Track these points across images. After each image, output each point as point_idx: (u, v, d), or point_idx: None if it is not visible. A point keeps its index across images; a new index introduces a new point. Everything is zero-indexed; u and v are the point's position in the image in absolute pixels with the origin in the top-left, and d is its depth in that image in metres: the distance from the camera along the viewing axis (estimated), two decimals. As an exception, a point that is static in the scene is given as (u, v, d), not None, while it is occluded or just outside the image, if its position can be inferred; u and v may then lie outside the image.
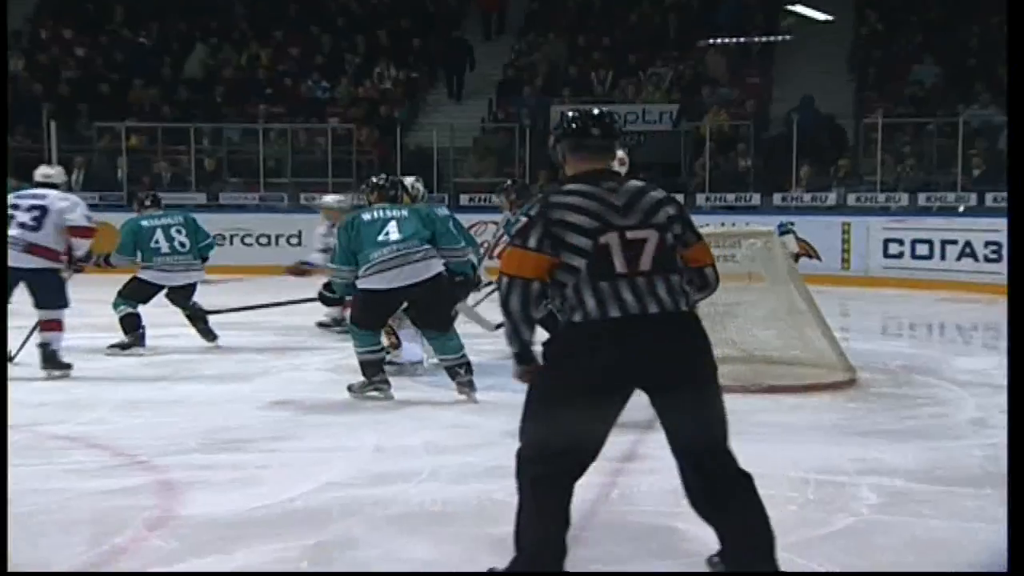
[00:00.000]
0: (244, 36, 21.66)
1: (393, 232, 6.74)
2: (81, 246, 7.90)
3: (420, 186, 8.41)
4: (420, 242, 6.78)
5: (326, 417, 6.38)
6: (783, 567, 3.54)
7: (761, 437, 5.78)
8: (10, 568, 3.53)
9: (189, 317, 9.12)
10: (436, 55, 21.10)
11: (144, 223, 9.10)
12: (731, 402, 6.47)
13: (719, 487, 3.50)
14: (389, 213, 6.87)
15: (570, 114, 3.72)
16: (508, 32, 21.96)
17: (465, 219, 16.58)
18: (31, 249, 7.58)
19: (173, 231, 9.02)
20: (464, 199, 17.64)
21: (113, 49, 21.45)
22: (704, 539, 4.07)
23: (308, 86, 20.27)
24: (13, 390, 6.99)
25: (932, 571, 3.94)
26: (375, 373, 6.83)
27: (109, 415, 6.43)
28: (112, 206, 17.40)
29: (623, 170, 6.36)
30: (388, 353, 7.36)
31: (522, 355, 3.47)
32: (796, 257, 8.24)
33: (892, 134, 16.37)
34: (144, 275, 8.95)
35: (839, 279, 14.25)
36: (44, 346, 7.62)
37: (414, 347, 7.68)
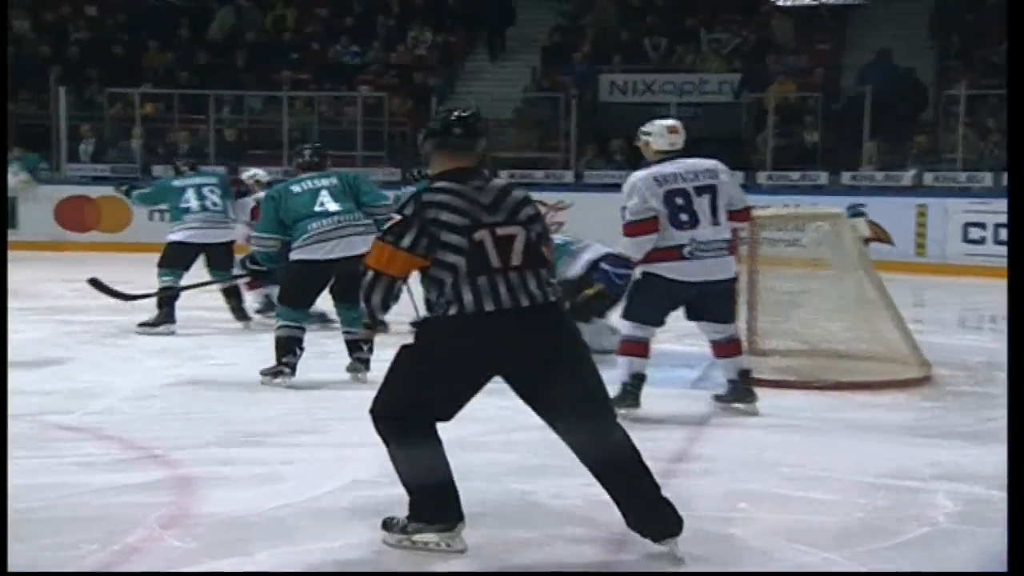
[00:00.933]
0: (269, -5, 21.74)
1: (329, 203, 7.14)
2: None
3: None
4: (358, 214, 7.21)
5: (353, 411, 6.36)
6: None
7: (826, 438, 5.79)
8: (11, 568, 3.60)
9: (224, 292, 9.40)
10: (475, 12, 21.02)
11: (175, 182, 9.59)
12: (794, 399, 6.52)
13: (619, 459, 4.00)
14: (319, 183, 7.24)
15: (438, 114, 4.17)
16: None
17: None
18: None
19: (205, 190, 9.40)
20: (504, 175, 17.64)
21: (127, 8, 21.57)
22: (764, 548, 4.09)
23: (337, 51, 20.30)
24: (17, 378, 7.10)
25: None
26: (285, 354, 7.08)
27: (120, 404, 6.50)
28: (124, 178, 17.60)
29: (679, 139, 6.34)
30: None
31: (371, 324, 4.07)
32: (867, 242, 8.17)
33: (976, 107, 16.21)
34: (176, 236, 9.31)
35: (914, 266, 14.16)
36: None
37: None
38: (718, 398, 6.38)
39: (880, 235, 14.82)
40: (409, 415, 3.99)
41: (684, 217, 6.07)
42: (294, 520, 4.35)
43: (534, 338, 3.86)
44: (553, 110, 18.45)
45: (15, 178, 16.91)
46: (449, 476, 4.04)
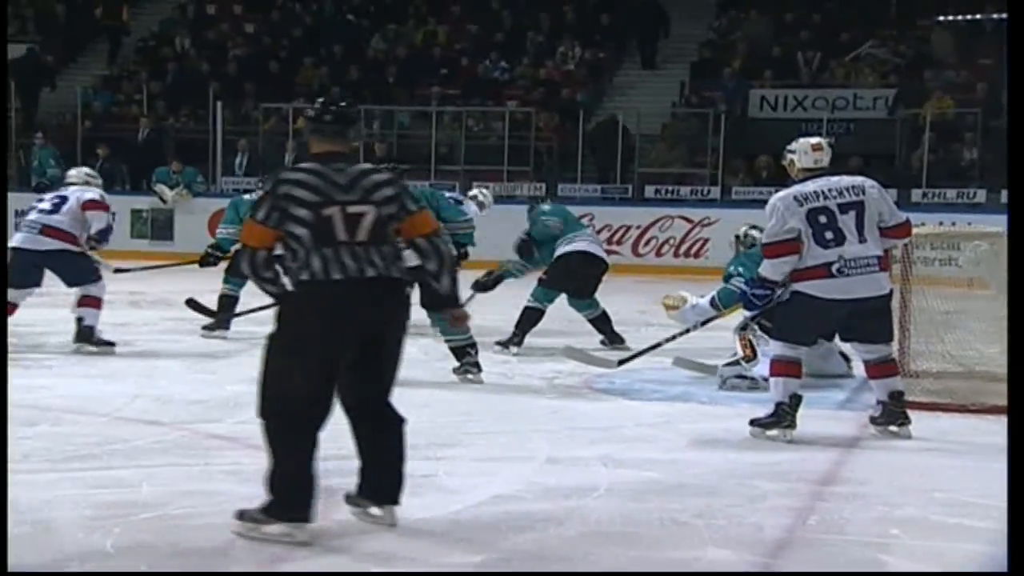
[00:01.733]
0: (420, 12, 22.01)
1: None
2: (97, 219, 8.91)
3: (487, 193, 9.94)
4: None
5: (494, 424, 6.44)
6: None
7: (982, 463, 5.60)
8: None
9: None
10: (626, 23, 20.92)
11: (246, 196, 9.98)
12: (948, 422, 6.32)
13: (378, 431, 4.44)
14: None
15: (316, 103, 4.56)
16: (705, 7, 21.71)
17: (651, 212, 16.78)
18: (46, 231, 8.68)
19: None
20: (650, 191, 17.57)
21: (284, 26, 22.05)
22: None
23: (485, 66, 20.46)
24: (171, 386, 7.29)
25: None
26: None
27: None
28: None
29: (824, 157, 6.23)
30: (742, 365, 7.38)
31: (276, 296, 4.34)
32: (1028, 262, 7.91)
33: None
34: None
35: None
36: (78, 321, 8.65)
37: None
38: (872, 420, 6.22)
39: (1042, 255, 14.33)
40: (287, 414, 4.26)
41: (829, 235, 5.96)
42: (435, 534, 4.36)
43: (373, 309, 4.25)
44: (701, 126, 18.31)
45: (172, 191, 17.50)
46: (314, 477, 4.28)
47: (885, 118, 17.82)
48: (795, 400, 6.05)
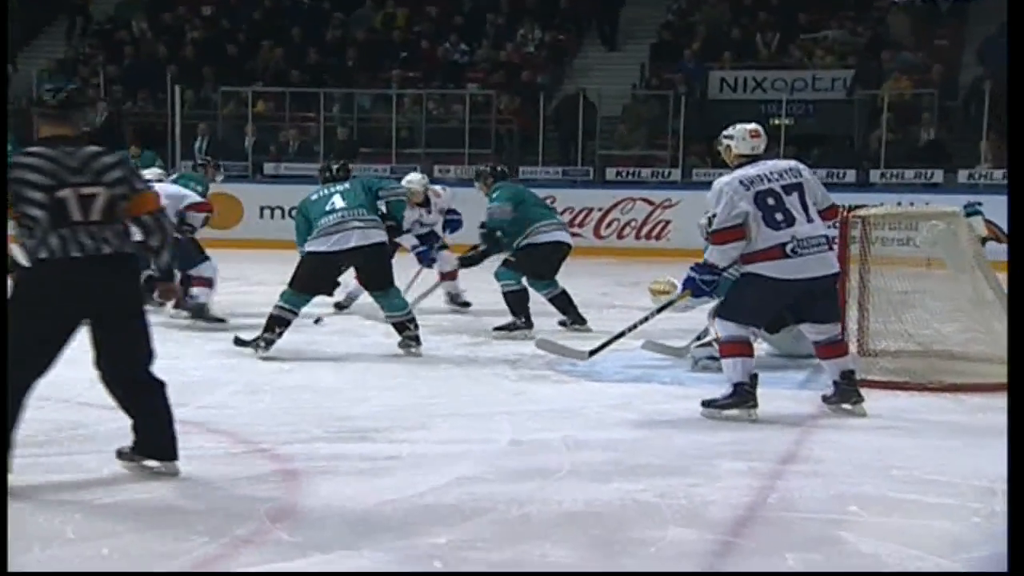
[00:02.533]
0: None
1: (338, 202, 7.97)
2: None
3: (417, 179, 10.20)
4: (365, 211, 7.98)
5: (457, 407, 6.46)
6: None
7: (940, 440, 5.68)
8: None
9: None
10: (585, 6, 20.97)
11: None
12: (906, 401, 6.39)
13: (138, 397, 4.76)
14: (333, 188, 8.14)
15: (41, 88, 4.80)
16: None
17: (613, 194, 16.82)
18: None
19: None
20: (611, 173, 17.60)
21: (243, 8, 21.90)
22: (875, 552, 4.02)
23: (446, 49, 20.41)
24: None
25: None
26: (272, 330, 7.83)
27: (230, 399, 6.61)
28: (237, 177, 17.89)
29: (760, 143, 6.32)
30: (713, 346, 7.37)
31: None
32: (984, 241, 7.98)
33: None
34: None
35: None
36: (191, 299, 9.17)
37: None
38: (825, 399, 6.29)
39: (998, 235, 14.45)
40: (15, 376, 4.52)
41: (779, 216, 6.01)
42: (400, 515, 4.37)
43: (107, 284, 4.54)
44: (662, 108, 18.35)
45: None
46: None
47: (844, 99, 17.92)
48: (754, 379, 6.10)
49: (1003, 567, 3.94)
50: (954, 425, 6.07)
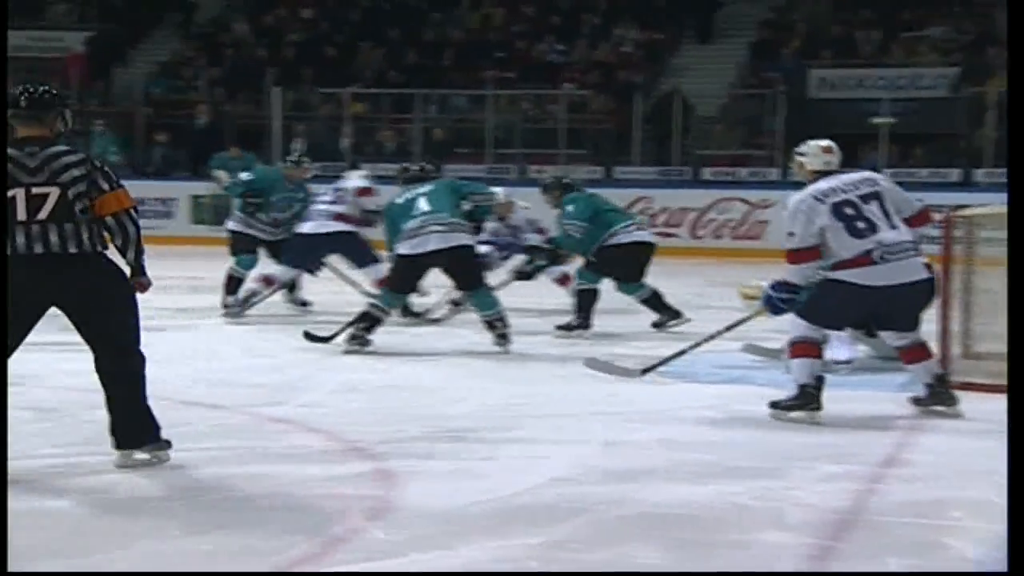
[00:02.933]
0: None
1: (422, 205, 8.09)
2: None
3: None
4: (447, 214, 8.09)
5: (552, 408, 6.45)
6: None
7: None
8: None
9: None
10: (682, 4, 20.87)
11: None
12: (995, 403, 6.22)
13: (109, 385, 4.86)
14: (418, 191, 8.25)
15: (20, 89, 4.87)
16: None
17: (709, 194, 16.71)
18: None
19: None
20: (707, 173, 17.48)
21: (341, 10, 22.11)
22: (980, 560, 3.95)
23: (542, 49, 20.42)
24: (232, 371, 7.38)
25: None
26: (366, 327, 8.06)
27: (327, 398, 6.67)
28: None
29: (834, 159, 6.25)
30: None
31: None
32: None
33: None
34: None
35: None
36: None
37: (842, 346, 7.58)
38: (917, 401, 6.19)
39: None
40: None
41: (861, 224, 5.94)
42: (495, 515, 4.37)
43: (59, 280, 4.68)
44: (760, 107, 18.18)
45: (227, 177, 17.62)
46: None
47: (948, 97, 17.60)
48: (820, 381, 6.03)
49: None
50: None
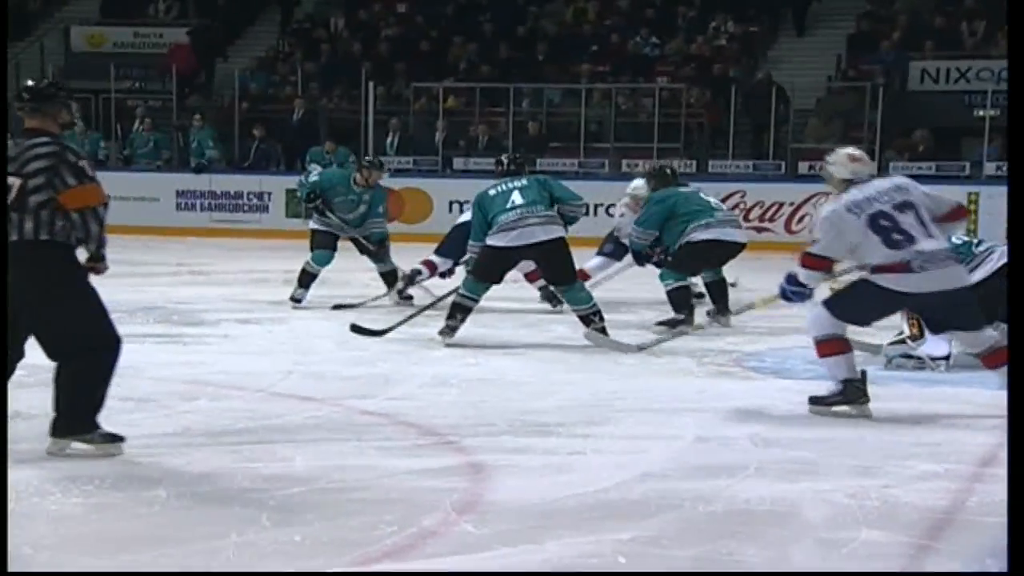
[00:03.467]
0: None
1: (517, 198, 8.18)
2: None
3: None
4: (543, 207, 8.20)
5: (642, 403, 6.43)
6: None
7: None
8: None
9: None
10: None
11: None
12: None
13: (59, 375, 4.91)
14: (512, 184, 8.32)
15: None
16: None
17: (805, 188, 16.51)
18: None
19: None
20: (803, 167, 17.25)
21: (435, 4, 22.22)
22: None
23: (636, 42, 20.34)
24: (325, 364, 7.46)
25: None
26: (455, 317, 8.19)
27: (418, 391, 6.71)
28: (426, 171, 18.15)
29: (862, 168, 6.20)
30: (908, 344, 7.38)
31: None
32: None
33: None
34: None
35: None
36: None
37: (940, 342, 7.53)
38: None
39: None
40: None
41: (897, 236, 5.88)
42: (584, 510, 4.37)
43: (19, 272, 4.76)
44: (858, 100, 17.90)
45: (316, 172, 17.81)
46: None
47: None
48: (863, 375, 6.02)
49: None
50: None
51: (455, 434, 5.57)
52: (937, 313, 6.09)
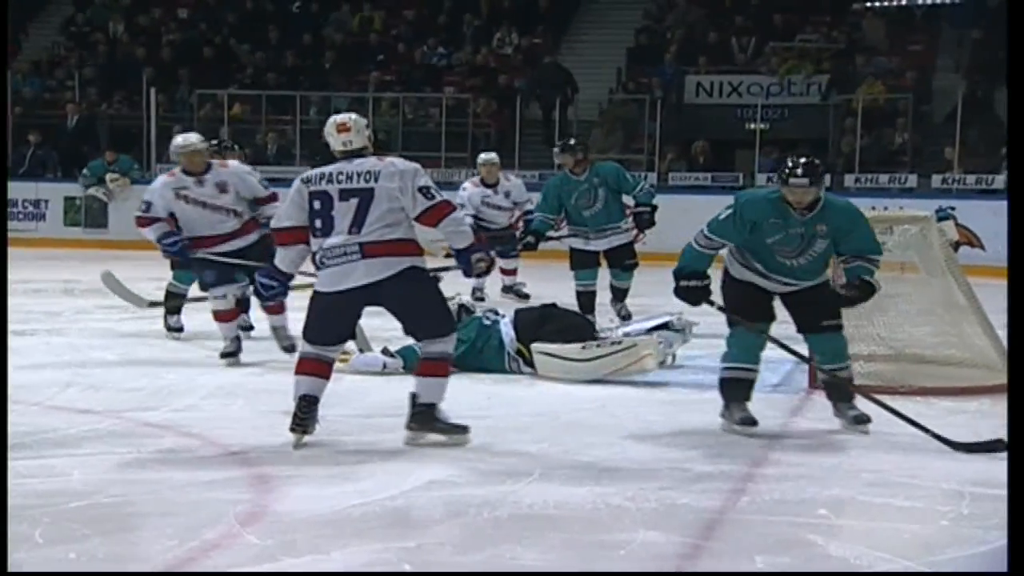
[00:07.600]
0: (356, -3, 21.89)
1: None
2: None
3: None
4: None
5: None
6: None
7: (910, 444, 5.67)
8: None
9: None
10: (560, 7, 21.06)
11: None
12: (877, 405, 6.36)
13: None
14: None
15: None
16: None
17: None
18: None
19: None
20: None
21: (219, 11, 21.83)
22: (843, 556, 4.04)
23: (423, 52, 20.40)
24: (107, 374, 7.24)
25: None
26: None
27: (202, 402, 6.58)
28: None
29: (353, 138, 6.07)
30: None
31: None
32: (956, 246, 8.01)
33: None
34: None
35: (1005, 271, 13.83)
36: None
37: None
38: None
39: (970, 238, 14.55)
40: None
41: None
42: (370, 520, 4.36)
43: None
44: (638, 112, 18.37)
45: (109, 183, 17.29)
46: None
47: (818, 103, 17.97)
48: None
49: (970, 569, 3.98)
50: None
51: (240, 445, 5.48)
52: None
